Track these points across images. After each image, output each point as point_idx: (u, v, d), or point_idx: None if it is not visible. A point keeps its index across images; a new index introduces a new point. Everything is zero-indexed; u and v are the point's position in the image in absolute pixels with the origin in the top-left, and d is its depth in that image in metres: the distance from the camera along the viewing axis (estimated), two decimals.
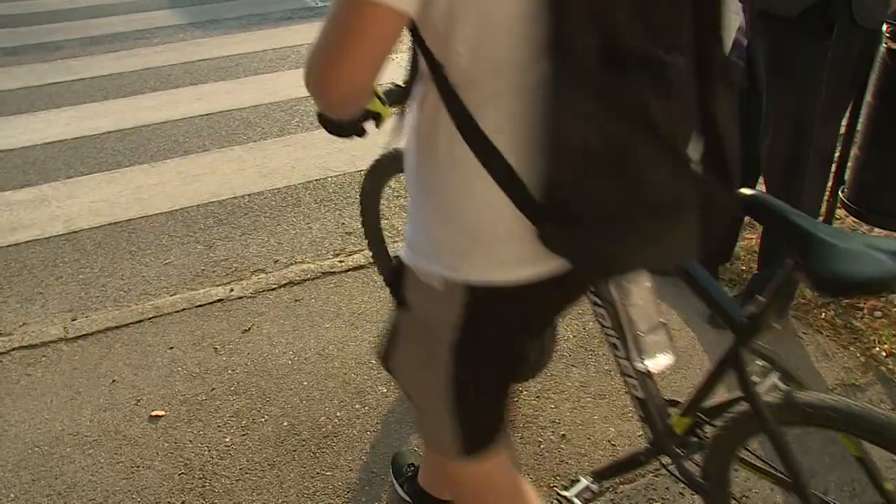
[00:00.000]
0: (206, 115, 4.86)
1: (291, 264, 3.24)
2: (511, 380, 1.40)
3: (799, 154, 2.55)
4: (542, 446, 2.24)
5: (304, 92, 1.46)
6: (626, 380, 1.79)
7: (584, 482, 1.90)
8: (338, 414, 2.38)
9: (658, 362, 1.71)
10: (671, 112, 0.99)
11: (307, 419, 2.35)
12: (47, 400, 2.48)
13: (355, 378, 2.52)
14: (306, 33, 6.61)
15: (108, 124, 4.77)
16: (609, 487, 2.08)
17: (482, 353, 1.26)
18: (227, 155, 4.26)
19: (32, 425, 2.37)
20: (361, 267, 3.06)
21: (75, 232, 3.57)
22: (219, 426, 2.34)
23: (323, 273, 3.10)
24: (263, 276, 3.12)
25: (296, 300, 2.94)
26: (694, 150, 1.08)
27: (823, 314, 2.75)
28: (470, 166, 1.06)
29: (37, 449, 2.28)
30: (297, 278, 3.07)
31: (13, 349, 2.73)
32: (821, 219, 3.04)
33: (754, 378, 1.51)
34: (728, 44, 1.20)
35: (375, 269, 3.10)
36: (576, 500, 1.88)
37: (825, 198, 2.78)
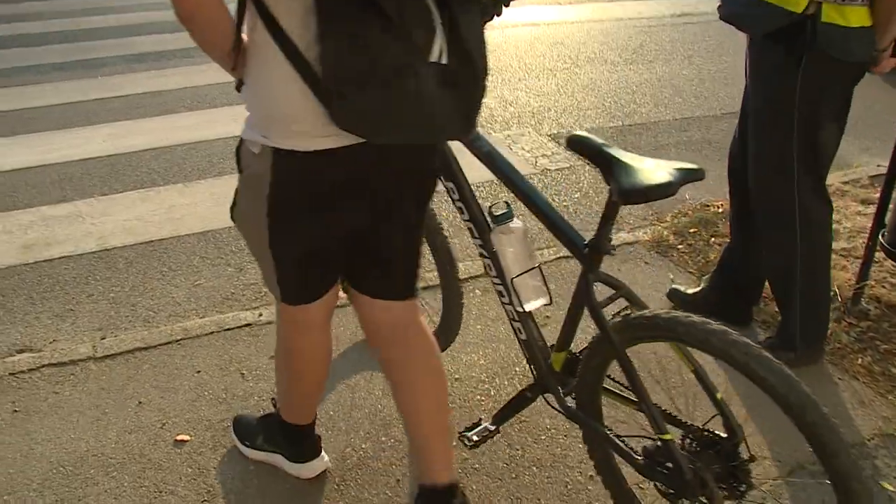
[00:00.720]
0: None
1: None
2: (328, 257, 1.73)
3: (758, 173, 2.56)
4: (568, 486, 2.20)
5: None
6: (512, 324, 2.03)
7: (483, 424, 2.12)
8: (363, 446, 2.36)
9: (533, 303, 1.97)
10: (404, 17, 1.35)
11: (332, 450, 2.32)
12: (74, 419, 2.48)
13: (381, 409, 2.50)
14: None
15: (144, 142, 4.82)
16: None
17: (294, 215, 1.61)
18: None
19: (58, 444, 2.38)
20: None
21: (108, 250, 3.59)
22: (243, 454, 2.32)
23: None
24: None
25: None
26: (438, 49, 1.42)
27: (860, 360, 2.69)
28: (272, 61, 1.44)
29: (61, 469, 2.28)
30: None
31: (43, 366, 2.74)
32: (859, 262, 2.98)
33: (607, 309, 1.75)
34: None
35: None
36: (474, 437, 2.08)
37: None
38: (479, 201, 2.10)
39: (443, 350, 2.57)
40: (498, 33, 7.57)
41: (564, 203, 4.01)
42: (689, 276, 3.26)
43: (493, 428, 2.12)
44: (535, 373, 2.04)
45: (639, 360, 1.74)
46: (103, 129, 5.09)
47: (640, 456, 1.79)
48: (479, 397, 2.57)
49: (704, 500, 1.68)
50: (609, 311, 1.76)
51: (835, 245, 3.36)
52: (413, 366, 1.91)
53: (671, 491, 1.74)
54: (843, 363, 2.70)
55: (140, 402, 2.55)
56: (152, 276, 3.37)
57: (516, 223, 1.98)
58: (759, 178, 2.57)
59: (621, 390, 1.88)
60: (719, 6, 2.48)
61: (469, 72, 1.48)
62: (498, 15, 1.86)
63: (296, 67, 1.42)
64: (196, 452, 2.34)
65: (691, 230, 3.52)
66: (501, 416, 2.13)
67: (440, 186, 1.91)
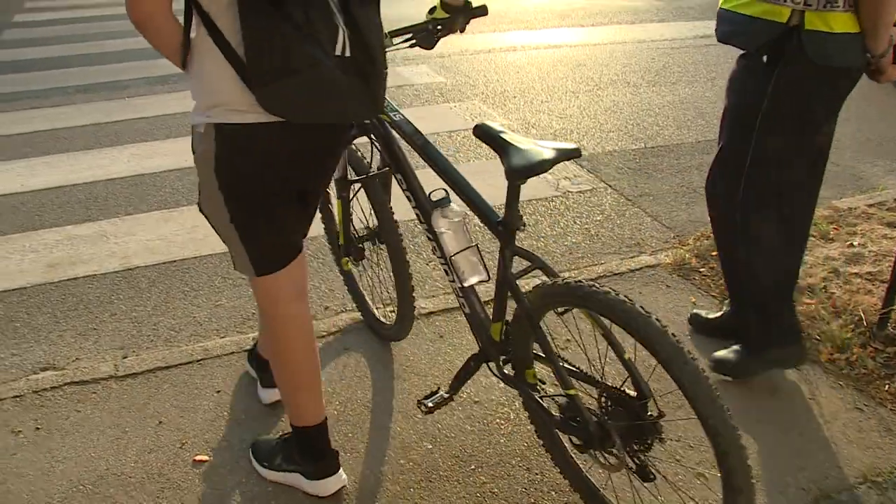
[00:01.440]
0: None
1: (342, 311, 3.24)
2: (283, 223, 1.97)
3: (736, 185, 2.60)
4: None
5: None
6: (457, 299, 2.27)
7: (440, 392, 2.30)
8: (381, 469, 2.34)
9: (472, 279, 2.19)
10: (311, 16, 1.64)
11: (350, 473, 2.31)
12: (94, 438, 2.49)
13: (400, 432, 2.49)
14: None
15: (168, 163, 4.87)
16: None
17: (239, 183, 1.85)
18: None
19: (79, 463, 2.39)
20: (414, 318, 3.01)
21: (131, 269, 3.62)
22: (262, 475, 2.32)
23: (357, 319, 3.10)
24: (314, 322, 3.11)
25: (345, 348, 2.93)
26: (341, 44, 1.71)
27: (887, 386, 2.65)
28: (210, 53, 1.72)
29: (81, 488, 2.29)
30: (347, 326, 3.07)
31: (65, 384, 2.76)
32: (885, 286, 2.94)
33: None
34: None
35: (427, 319, 3.09)
36: (429, 404, 2.26)
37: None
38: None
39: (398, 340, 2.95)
40: (521, 55, 7.60)
41: (586, 225, 4.00)
42: (712, 299, 3.23)
43: (447, 395, 2.30)
44: (479, 343, 2.26)
45: (571, 328, 2.02)
46: (128, 149, 5.15)
47: (557, 413, 1.99)
48: (498, 421, 2.55)
49: (614, 451, 1.88)
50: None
51: (859, 269, 3.33)
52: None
53: (580, 442, 1.94)
54: (868, 389, 2.66)
55: (160, 422, 2.56)
56: (174, 295, 3.39)
57: (453, 207, 2.19)
58: (764, 184, 2.56)
59: (572, 368, 2.01)
60: (716, 28, 2.57)
61: (369, 61, 1.78)
62: (461, 30, 2.46)
63: (228, 59, 1.71)
64: (214, 473, 2.34)
65: (713, 253, 3.49)
66: (454, 385, 2.32)
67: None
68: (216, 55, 1.72)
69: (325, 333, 3.02)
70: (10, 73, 7.29)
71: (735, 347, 2.77)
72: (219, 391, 2.70)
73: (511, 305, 2.03)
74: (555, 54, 7.69)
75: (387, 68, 1.86)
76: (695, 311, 3.06)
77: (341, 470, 2.25)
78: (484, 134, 1.98)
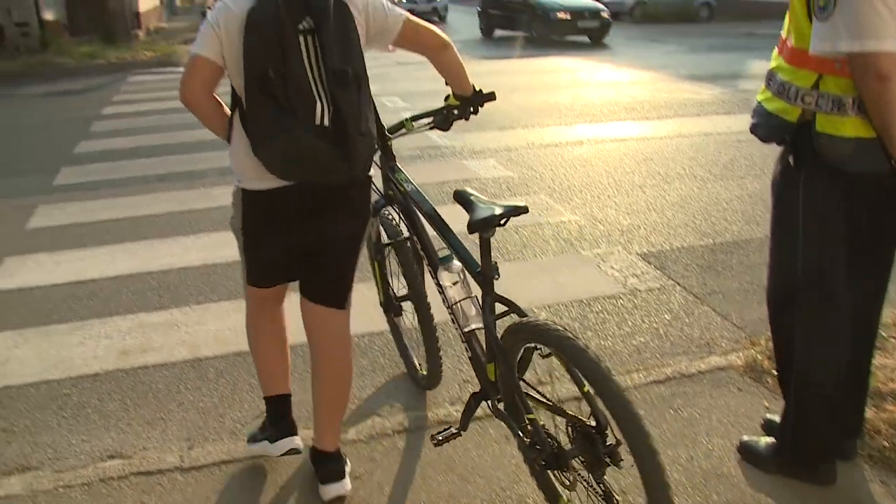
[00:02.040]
0: None
1: (407, 410, 3.21)
2: (282, 264, 2.55)
3: (786, 291, 2.56)
4: None
5: None
6: (462, 344, 2.57)
7: (450, 429, 2.53)
8: None
9: (472, 325, 2.49)
10: (288, 95, 2.14)
11: None
12: None
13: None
14: (430, 172, 6.82)
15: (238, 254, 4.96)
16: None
17: (252, 228, 2.48)
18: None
19: None
20: (478, 418, 2.96)
21: (200, 359, 3.68)
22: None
23: (437, 422, 3.06)
24: (378, 419, 3.10)
25: (409, 448, 2.90)
26: (323, 113, 2.18)
27: None
28: (238, 130, 2.34)
29: None
30: (412, 426, 3.04)
31: (132, 474, 2.79)
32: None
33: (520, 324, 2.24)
34: (350, 66, 2.22)
35: (492, 419, 3.03)
36: (439, 437, 2.49)
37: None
38: None
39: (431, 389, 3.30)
40: (587, 148, 7.67)
41: (654, 325, 3.93)
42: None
43: (456, 430, 2.54)
44: (480, 382, 2.54)
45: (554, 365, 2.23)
46: (201, 238, 5.30)
47: (527, 440, 2.26)
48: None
49: (572, 473, 2.15)
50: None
51: None
52: (324, 361, 2.65)
53: (543, 463, 2.20)
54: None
55: None
56: (241, 387, 3.42)
57: (455, 263, 2.53)
58: (808, 290, 2.49)
59: (534, 393, 2.27)
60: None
61: (342, 131, 2.20)
62: (466, 118, 2.92)
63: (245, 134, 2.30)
64: None
65: None
66: (463, 422, 2.56)
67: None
68: (240, 130, 2.31)
69: (389, 432, 3.00)
70: (97, 163, 7.67)
71: (768, 439, 2.67)
72: (282, 487, 2.69)
73: None
74: (621, 148, 7.74)
75: (363, 135, 2.25)
76: (768, 415, 2.96)
77: (298, 437, 2.73)
78: (459, 196, 2.37)
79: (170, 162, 7.51)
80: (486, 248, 2.29)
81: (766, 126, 2.45)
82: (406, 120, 2.94)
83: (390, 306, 3.26)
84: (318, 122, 2.17)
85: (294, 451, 2.72)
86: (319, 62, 2.19)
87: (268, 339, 2.75)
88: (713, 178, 6.56)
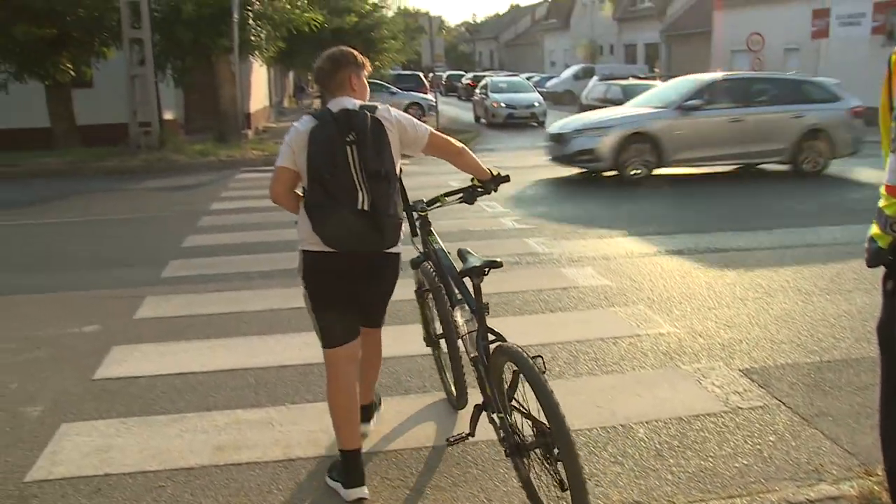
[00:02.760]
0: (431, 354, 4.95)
1: (438, 426, 3.17)
2: (344, 312, 3.34)
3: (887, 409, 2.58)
4: None
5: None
6: (470, 366, 3.30)
7: (463, 433, 3.35)
8: None
9: (474, 352, 3.20)
10: (338, 188, 3.03)
11: None
12: None
13: None
14: (527, 279, 6.73)
15: None
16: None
17: (313, 283, 3.30)
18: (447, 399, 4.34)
19: None
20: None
21: (292, 460, 3.69)
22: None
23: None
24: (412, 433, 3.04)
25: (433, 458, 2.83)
26: (363, 201, 3.04)
27: None
28: (303, 213, 3.19)
29: None
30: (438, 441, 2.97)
31: None
32: None
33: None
34: (383, 167, 3.07)
35: None
36: (451, 439, 3.39)
37: None
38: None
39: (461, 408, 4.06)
40: (686, 258, 7.54)
41: (758, 446, 3.75)
42: None
43: (465, 433, 3.37)
44: (484, 398, 3.28)
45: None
46: (300, 337, 5.34)
47: (501, 433, 3.09)
48: None
49: (532, 461, 2.97)
50: None
51: None
52: (369, 362, 3.70)
53: (506, 451, 3.05)
54: None
55: None
56: (331, 491, 3.40)
57: (465, 306, 3.34)
58: None
59: (519, 406, 2.97)
60: None
61: (376, 214, 3.06)
62: (491, 192, 3.77)
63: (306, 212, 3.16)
64: None
65: None
66: (472, 428, 3.35)
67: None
68: (304, 213, 3.17)
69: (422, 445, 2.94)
70: (202, 257, 7.99)
71: None
72: None
73: None
74: (721, 258, 7.59)
75: (391, 216, 3.12)
76: None
77: (365, 487, 3.29)
78: (459, 252, 3.30)
79: (272, 259, 7.72)
80: (477, 291, 3.15)
81: (869, 249, 2.54)
82: (440, 196, 3.80)
83: (430, 341, 4.24)
84: (359, 207, 3.03)
85: (362, 500, 3.26)
86: (361, 164, 3.03)
87: (343, 395, 3.33)
88: (819, 292, 6.33)
